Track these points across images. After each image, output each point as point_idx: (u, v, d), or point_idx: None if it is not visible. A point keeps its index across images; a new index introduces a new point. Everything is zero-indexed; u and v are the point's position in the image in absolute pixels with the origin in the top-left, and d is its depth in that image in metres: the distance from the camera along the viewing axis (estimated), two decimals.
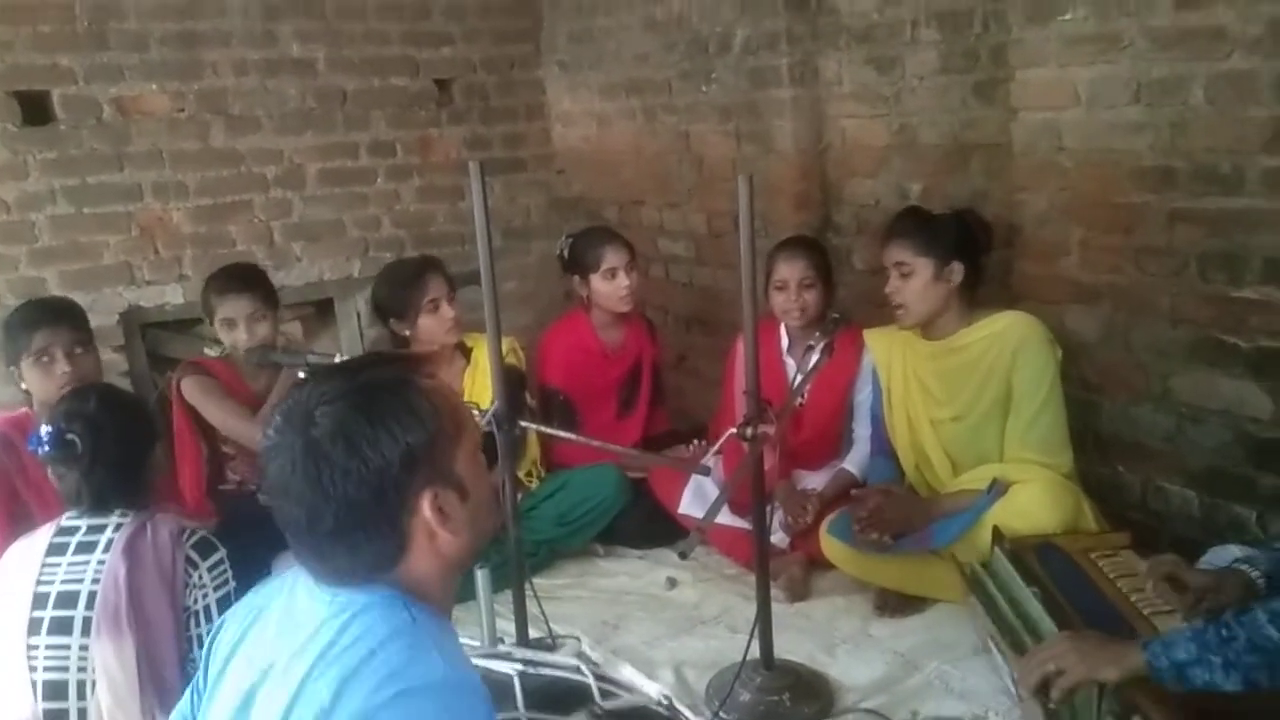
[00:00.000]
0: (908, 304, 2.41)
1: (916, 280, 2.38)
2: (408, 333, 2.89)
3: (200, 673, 1.23)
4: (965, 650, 2.25)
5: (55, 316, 2.39)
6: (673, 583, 2.72)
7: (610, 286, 3.09)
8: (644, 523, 2.91)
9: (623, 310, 3.14)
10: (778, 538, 2.66)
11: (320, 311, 3.93)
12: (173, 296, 3.44)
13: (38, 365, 2.31)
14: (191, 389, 2.74)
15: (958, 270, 2.37)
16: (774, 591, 2.29)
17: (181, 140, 3.39)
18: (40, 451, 1.82)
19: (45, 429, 1.81)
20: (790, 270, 2.74)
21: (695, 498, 2.81)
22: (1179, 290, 2.40)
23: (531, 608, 2.26)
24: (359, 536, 1.05)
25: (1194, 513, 2.48)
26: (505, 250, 4.04)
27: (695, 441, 3.05)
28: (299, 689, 1.03)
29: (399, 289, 2.89)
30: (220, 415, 2.71)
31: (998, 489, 2.31)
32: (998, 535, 2.20)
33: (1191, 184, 2.32)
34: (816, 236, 3.12)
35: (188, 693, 1.25)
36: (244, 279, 2.82)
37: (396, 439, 1.04)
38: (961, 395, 2.43)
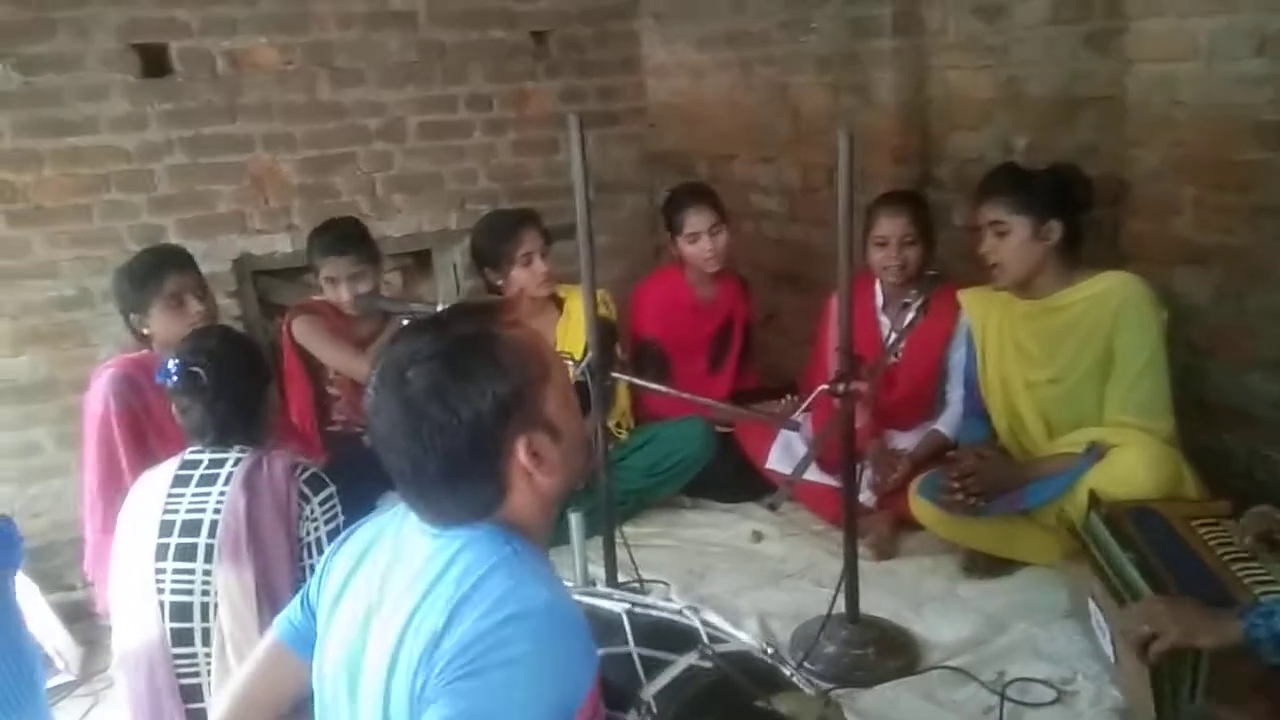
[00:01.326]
0: (1003, 263, 2.36)
1: (1013, 239, 2.33)
2: (501, 282, 2.96)
3: (315, 587, 1.30)
4: (1054, 613, 2.24)
5: (182, 262, 2.51)
6: (759, 536, 2.75)
7: (694, 249, 3.11)
8: (731, 477, 2.94)
9: (709, 270, 3.14)
10: (865, 496, 2.66)
11: (419, 262, 4.03)
12: (281, 245, 3.57)
13: (168, 308, 2.42)
14: (302, 329, 2.86)
15: (1055, 229, 2.31)
16: (860, 549, 2.30)
17: (290, 93, 3.50)
18: (168, 383, 1.92)
19: (173, 362, 1.91)
20: (892, 226, 2.70)
21: (783, 453, 2.83)
22: None
23: (620, 555, 2.32)
24: (461, 484, 1.12)
25: None
26: (597, 204, 4.03)
27: (786, 397, 3.05)
28: (411, 615, 1.10)
29: (495, 240, 2.96)
30: (331, 352, 2.83)
31: (1095, 452, 2.26)
32: (1094, 500, 2.16)
33: None
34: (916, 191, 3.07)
35: (296, 601, 1.33)
36: (345, 237, 2.92)
37: (485, 392, 1.09)
38: (1059, 357, 2.37)
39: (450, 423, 1.08)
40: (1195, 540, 2.01)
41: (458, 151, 3.86)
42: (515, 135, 3.96)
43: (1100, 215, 2.62)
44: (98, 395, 2.35)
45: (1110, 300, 2.30)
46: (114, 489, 2.32)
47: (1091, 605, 2.06)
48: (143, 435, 2.37)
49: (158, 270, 2.45)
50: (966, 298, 2.59)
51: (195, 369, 1.91)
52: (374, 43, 3.61)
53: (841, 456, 2.12)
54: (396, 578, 1.16)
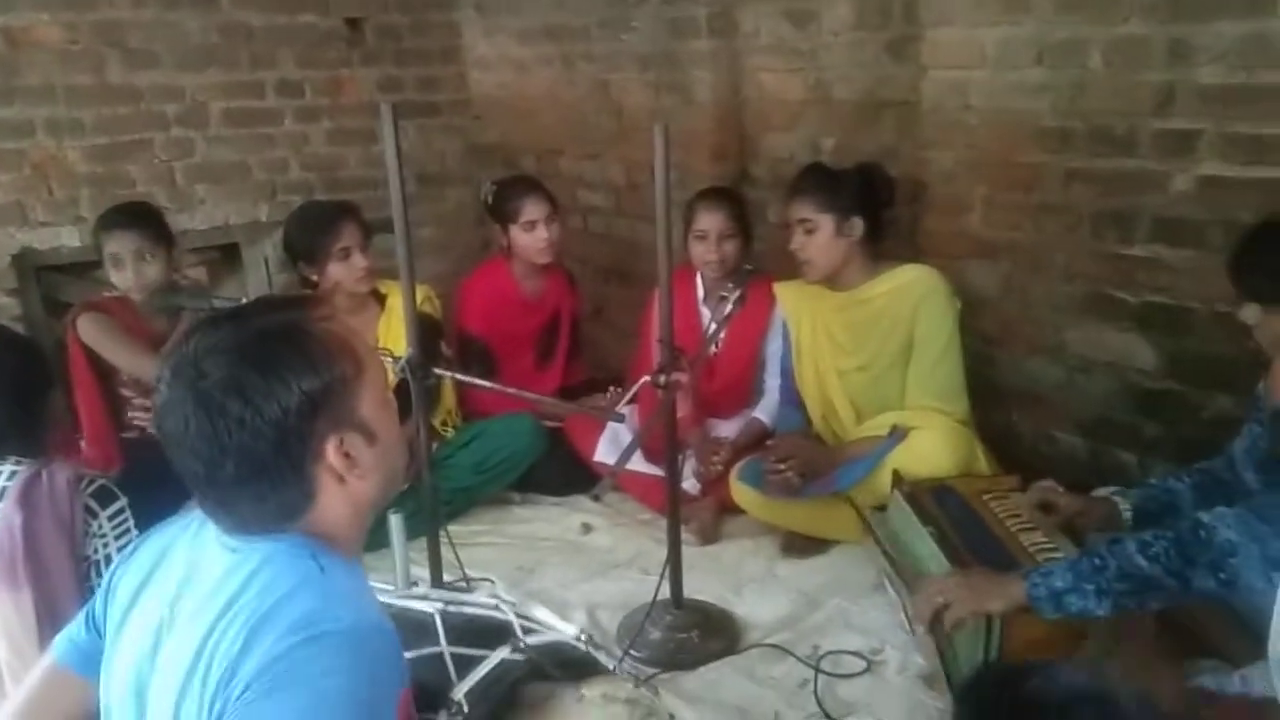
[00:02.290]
0: (812, 259, 2.48)
1: (819, 236, 2.45)
2: (316, 278, 2.84)
3: (100, 603, 1.21)
4: (864, 588, 2.36)
5: None
6: (587, 528, 2.77)
7: (529, 238, 3.08)
8: (560, 470, 2.94)
9: (542, 262, 3.13)
10: (689, 484, 2.72)
11: (227, 256, 3.82)
12: (69, 239, 3.30)
13: None
14: (87, 328, 2.65)
15: (858, 225, 2.45)
16: (685, 535, 2.36)
17: (76, 74, 3.24)
18: None
19: None
20: (711, 220, 2.77)
21: (610, 445, 2.86)
22: (1073, 247, 2.51)
23: (446, 555, 2.28)
24: (263, 487, 1.04)
25: (1081, 458, 2.62)
26: (420, 197, 3.98)
27: (611, 389, 3.08)
28: (206, 637, 1.03)
29: (311, 233, 2.83)
30: (119, 352, 2.62)
31: (898, 434, 2.41)
32: (897, 478, 2.30)
33: (1088, 145, 2.42)
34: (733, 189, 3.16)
35: (80, 618, 1.24)
36: (132, 214, 2.72)
37: (291, 387, 1.02)
38: (867, 346, 2.51)
39: (250, 419, 1.00)
40: (987, 513, 2.17)
41: (267, 139, 3.68)
42: (330, 124, 3.82)
43: (900, 213, 2.79)
44: None
45: (911, 292, 2.45)
46: None
47: (886, 582, 2.19)
48: None
49: None
50: (782, 291, 2.69)
51: None
52: (170, 23, 3.40)
53: (665, 446, 2.15)
54: (190, 595, 1.09)
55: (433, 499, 2.27)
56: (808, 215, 2.44)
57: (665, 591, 2.18)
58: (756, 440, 2.78)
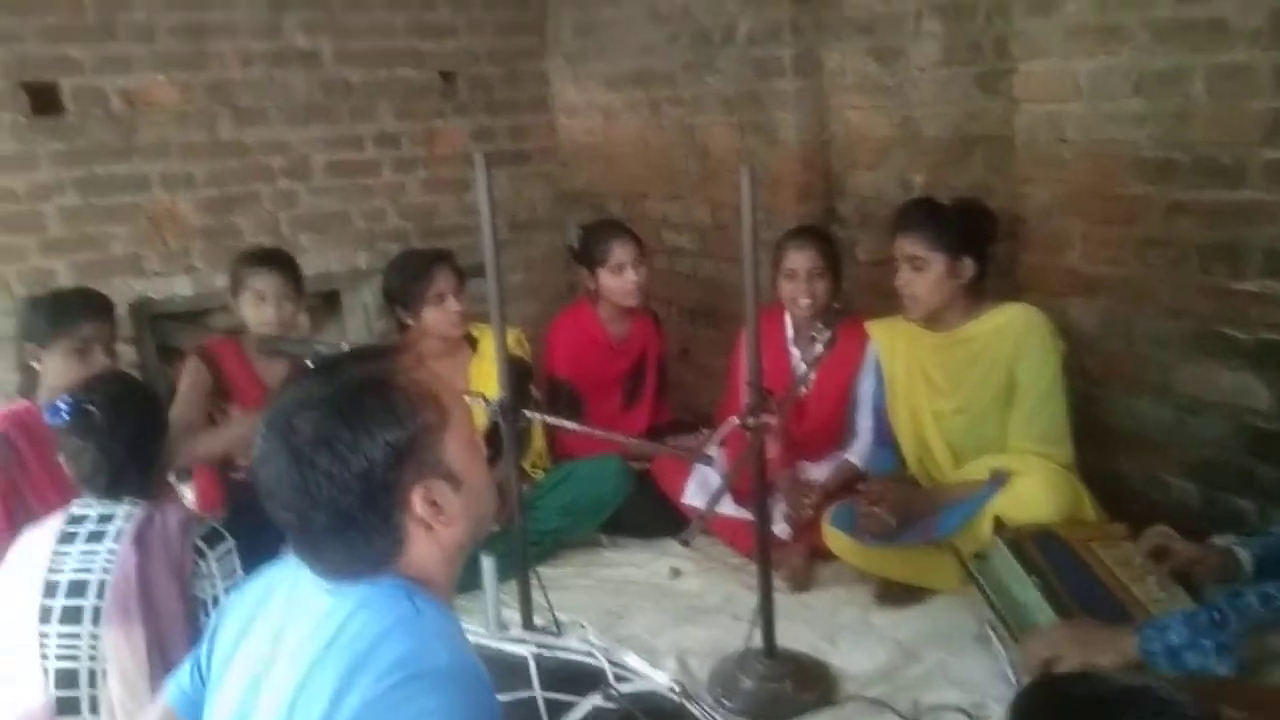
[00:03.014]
0: (919, 296, 2.41)
1: (929, 274, 2.37)
2: (412, 322, 2.91)
3: (205, 647, 1.24)
4: (965, 640, 2.27)
5: (100, 310, 2.40)
6: (676, 572, 2.74)
7: (617, 281, 3.11)
8: (648, 513, 2.92)
9: (629, 304, 3.15)
10: (780, 528, 2.68)
11: (328, 303, 3.95)
12: (181, 288, 3.47)
13: (74, 354, 2.29)
14: (183, 373, 2.77)
15: (969, 266, 2.37)
16: (776, 581, 2.31)
17: (189, 132, 3.42)
18: (59, 421, 1.82)
19: (64, 400, 1.83)
20: (800, 259, 2.75)
21: (699, 488, 2.83)
22: (1179, 282, 2.41)
23: (536, 597, 2.28)
24: (353, 537, 1.06)
25: (1193, 504, 2.49)
26: (510, 242, 4.06)
27: (700, 431, 3.07)
28: (304, 680, 1.05)
29: (407, 279, 2.91)
30: (179, 408, 2.70)
31: (998, 479, 2.32)
32: (998, 525, 2.22)
33: (1192, 176, 2.33)
34: None
35: (188, 664, 1.27)
36: (279, 257, 2.87)
37: (376, 439, 1.03)
38: (965, 387, 2.44)
39: (338, 473, 1.02)
40: (1095, 562, 2.07)
41: (366, 190, 3.82)
42: (425, 174, 3.94)
43: (996, 250, 2.72)
44: None
45: (1012, 331, 2.37)
46: None
47: (990, 632, 2.11)
48: (17, 492, 2.23)
49: (73, 314, 2.34)
50: (875, 329, 2.64)
51: (89, 406, 1.83)
52: (277, 81, 3.56)
53: (754, 489, 2.12)
54: (289, 638, 1.11)
55: (522, 541, 2.28)
56: (919, 252, 2.37)
57: (757, 639, 2.14)
58: (849, 483, 2.72)
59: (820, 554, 2.64)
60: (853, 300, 2.93)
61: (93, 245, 3.30)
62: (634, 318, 3.26)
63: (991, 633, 2.09)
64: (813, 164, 3.29)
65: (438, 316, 2.87)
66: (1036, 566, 2.03)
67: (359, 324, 3.94)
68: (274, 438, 1.06)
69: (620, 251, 3.10)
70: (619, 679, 1.40)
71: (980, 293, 2.46)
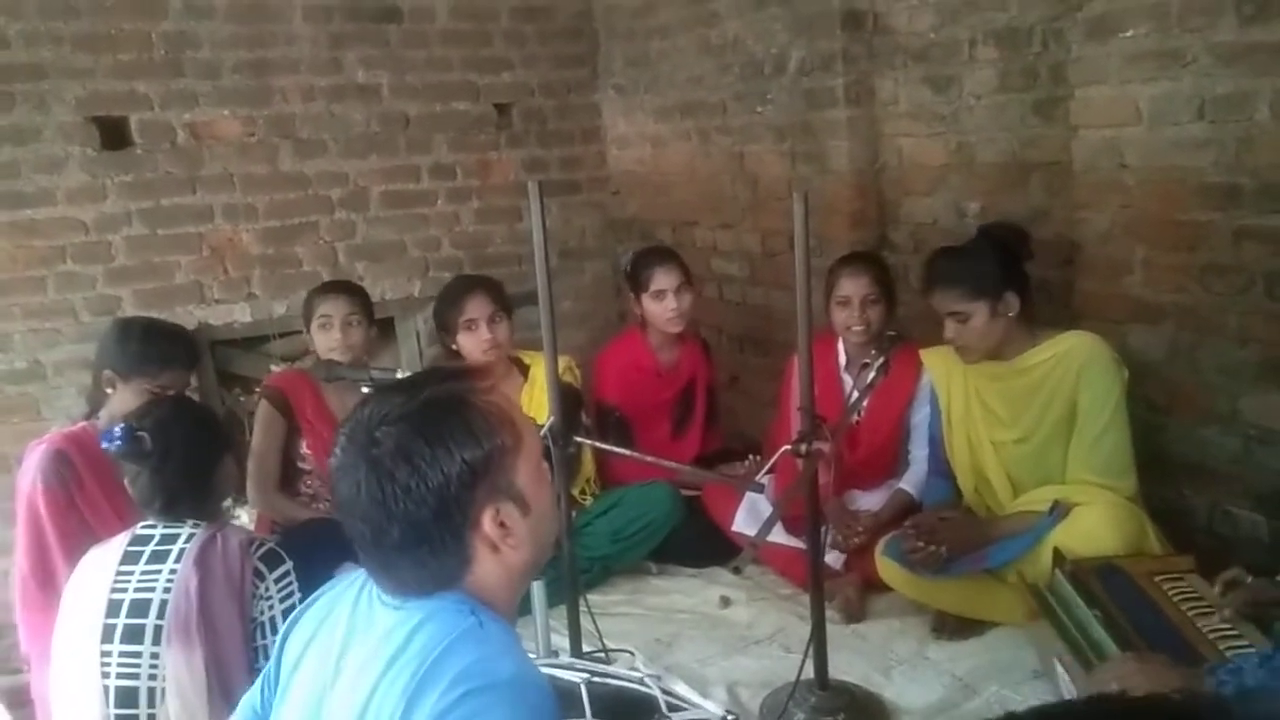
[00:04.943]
0: (971, 345, 2.37)
1: (975, 322, 2.33)
2: (455, 347, 2.97)
3: (272, 665, 1.26)
4: (1024, 674, 2.21)
5: (186, 364, 2.46)
6: (726, 601, 2.71)
7: (659, 307, 3.12)
8: (698, 541, 2.91)
9: (671, 331, 3.16)
10: (832, 558, 2.64)
11: (382, 330, 4.00)
12: (240, 315, 3.55)
13: (146, 394, 2.29)
14: (259, 413, 2.84)
15: (1013, 301, 2.33)
16: (829, 612, 2.28)
17: (251, 164, 3.51)
18: (112, 448, 1.86)
19: (118, 427, 1.87)
20: (854, 286, 2.73)
21: (749, 515, 2.81)
22: (1246, 309, 2.35)
23: (585, 624, 2.27)
24: (424, 552, 1.08)
25: (1263, 537, 2.40)
26: (561, 270, 4.09)
27: (749, 458, 3.04)
28: (371, 694, 1.06)
29: (445, 305, 2.99)
30: (255, 459, 2.80)
31: (1059, 511, 2.27)
32: (1059, 557, 2.16)
33: (1258, 201, 2.27)
34: None
35: (257, 684, 1.28)
36: (347, 285, 2.98)
37: (454, 456, 1.06)
38: (1025, 417, 2.39)
39: (416, 486, 1.05)
40: (1160, 596, 2.01)
41: (422, 219, 3.88)
42: (479, 203, 3.99)
43: (1053, 276, 2.68)
44: (27, 474, 2.28)
45: (1073, 360, 2.32)
46: (42, 569, 2.24)
47: (1058, 666, 2.04)
48: (74, 514, 2.27)
49: (169, 354, 2.42)
50: (929, 358, 2.60)
51: (140, 433, 1.87)
52: (337, 115, 3.65)
53: (805, 517, 2.10)
54: (353, 654, 1.12)
55: (572, 567, 2.27)
56: (957, 307, 2.33)
57: (809, 671, 2.11)
58: (902, 513, 2.68)
59: (874, 585, 2.60)
60: (906, 327, 2.89)
61: (157, 274, 3.39)
62: (683, 345, 3.26)
63: (1058, 664, 2.02)
64: (865, 191, 3.27)
65: (469, 343, 2.92)
66: (1098, 600, 1.97)
67: (412, 351, 3.99)
68: (354, 450, 1.08)
69: (661, 278, 3.11)
70: (671, 708, 1.38)
71: (1033, 318, 2.41)
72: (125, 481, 1.92)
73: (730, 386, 3.85)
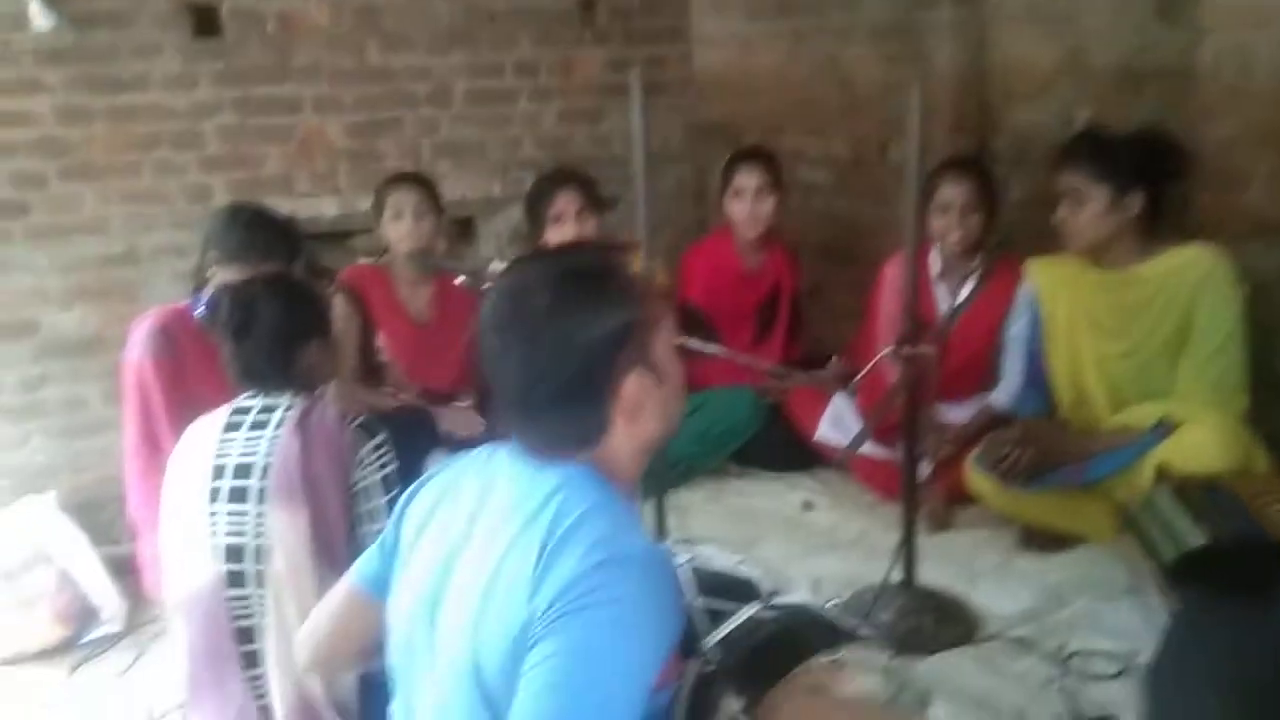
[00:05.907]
0: (1076, 232, 2.30)
1: (1090, 208, 2.25)
2: (541, 241, 2.95)
3: (390, 531, 1.28)
4: (1116, 589, 2.20)
5: (288, 255, 2.43)
6: (809, 506, 2.72)
7: (736, 206, 3.07)
8: (780, 447, 2.91)
9: (746, 235, 3.10)
10: (919, 468, 2.61)
11: (462, 229, 4.01)
12: (328, 208, 3.56)
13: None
14: (335, 306, 2.86)
15: (1136, 200, 2.24)
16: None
17: (339, 56, 3.47)
18: (198, 312, 1.94)
19: (209, 295, 1.91)
20: (955, 192, 2.65)
21: (834, 424, 2.79)
22: None
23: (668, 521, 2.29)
24: (566, 411, 1.11)
25: None
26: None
27: (832, 359, 3.00)
28: (505, 554, 1.08)
29: (533, 199, 2.97)
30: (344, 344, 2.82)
31: (1164, 428, 2.21)
32: (1162, 474, 2.11)
33: None
34: None
35: (374, 548, 1.31)
36: (416, 177, 2.99)
37: (606, 318, 1.09)
38: (1134, 330, 2.31)
39: (568, 345, 1.08)
40: (1268, 518, 1.95)
41: (504, 118, 3.83)
42: (560, 103, 3.92)
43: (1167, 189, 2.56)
44: (134, 347, 2.33)
45: (1190, 274, 2.23)
46: (149, 439, 2.31)
47: (1150, 582, 2.02)
48: (180, 386, 2.32)
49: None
50: (1037, 268, 2.51)
51: (225, 303, 1.90)
52: (422, 7, 3.58)
53: (903, 423, 2.07)
54: (485, 518, 1.15)
55: (662, 461, 2.29)
56: (1078, 185, 2.26)
57: (896, 575, 2.11)
58: (991, 427, 2.63)
59: (959, 498, 2.58)
60: (1009, 238, 2.80)
61: (247, 164, 3.40)
62: (768, 249, 3.22)
63: (1151, 580, 2.00)
64: (967, 96, 3.14)
65: (555, 236, 2.90)
66: (1206, 515, 1.92)
67: (491, 251, 3.98)
68: (508, 307, 1.11)
69: (743, 178, 3.06)
70: (773, 593, 1.38)
71: (1154, 231, 2.32)
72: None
73: (811, 297, 3.78)
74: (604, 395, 1.11)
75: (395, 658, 1.22)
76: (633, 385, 1.11)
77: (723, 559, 1.54)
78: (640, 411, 1.12)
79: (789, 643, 1.27)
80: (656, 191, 4.13)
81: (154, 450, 2.27)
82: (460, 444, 2.75)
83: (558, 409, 1.11)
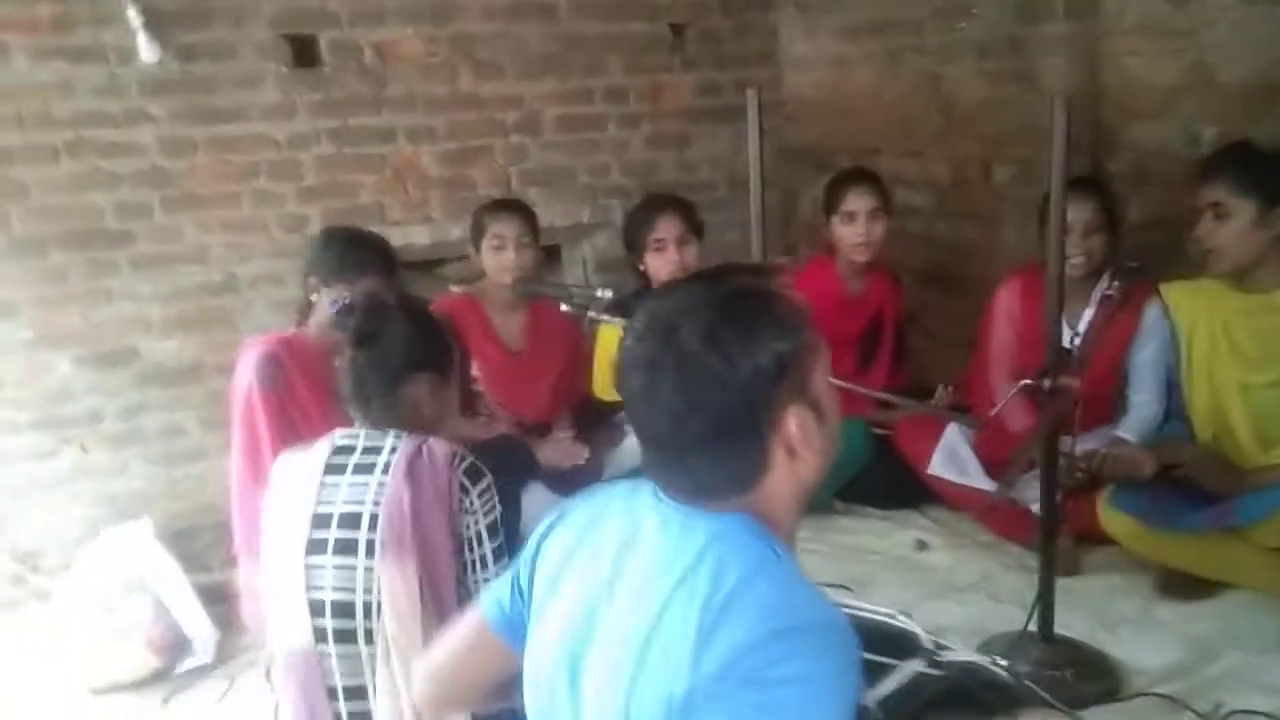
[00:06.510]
0: (1219, 248, 2.17)
1: (1233, 222, 2.13)
2: (644, 269, 2.89)
3: (526, 567, 1.20)
4: (1270, 642, 2.03)
5: (383, 268, 2.43)
6: (923, 545, 2.59)
7: (846, 231, 2.98)
8: (887, 482, 2.78)
9: (856, 259, 3.00)
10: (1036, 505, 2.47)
11: (548, 256, 3.97)
12: (419, 237, 3.55)
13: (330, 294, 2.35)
14: None
15: None
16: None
17: (433, 85, 3.48)
18: (331, 309, 1.93)
19: (344, 303, 1.88)
20: (1076, 212, 2.51)
21: (948, 458, 2.66)
22: None
23: None
24: (724, 449, 1.01)
25: None
26: (728, 201, 3.95)
27: (939, 389, 2.86)
28: (660, 614, 0.99)
29: (633, 225, 2.92)
30: None
31: None
32: None
33: None
34: None
35: (504, 584, 1.23)
36: (519, 205, 2.95)
37: (766, 347, 0.99)
38: None
39: (725, 375, 0.98)
40: None
41: (592, 145, 3.79)
42: (648, 129, 3.87)
43: None
44: (244, 374, 2.32)
45: None
46: (256, 466, 2.28)
47: None
48: (286, 415, 2.30)
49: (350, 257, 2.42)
50: (1174, 291, 2.37)
51: (353, 307, 1.89)
52: (515, 34, 3.57)
53: (1043, 461, 1.94)
54: (632, 566, 1.06)
55: None
56: (1221, 198, 2.13)
57: (1031, 622, 1.98)
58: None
59: (1088, 537, 2.42)
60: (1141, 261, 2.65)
61: (343, 193, 3.41)
62: (871, 275, 3.11)
63: None
64: (1081, 115, 2.99)
65: (657, 264, 2.84)
66: None
67: (578, 278, 3.93)
68: (655, 341, 1.01)
69: (853, 199, 2.97)
70: (938, 647, 1.28)
71: None
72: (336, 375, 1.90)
73: (910, 324, 3.66)
74: (764, 432, 1.01)
75: (533, 712, 1.14)
76: (794, 420, 1.01)
77: (873, 608, 1.44)
78: (802, 449, 1.02)
79: (960, 704, 1.15)
80: (744, 217, 4.09)
81: (260, 478, 2.25)
82: (561, 476, 2.69)
83: (714, 449, 1.01)
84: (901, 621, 1.34)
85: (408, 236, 3.55)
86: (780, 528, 1.05)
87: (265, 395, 2.27)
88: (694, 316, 1.00)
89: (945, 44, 3.37)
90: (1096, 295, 2.47)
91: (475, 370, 2.86)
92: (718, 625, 0.94)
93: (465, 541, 1.84)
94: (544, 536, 1.20)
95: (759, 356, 0.98)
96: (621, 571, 1.07)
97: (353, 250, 2.43)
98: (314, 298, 2.40)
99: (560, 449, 2.72)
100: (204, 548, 2.89)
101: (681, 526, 1.04)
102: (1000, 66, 3.18)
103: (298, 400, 2.32)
